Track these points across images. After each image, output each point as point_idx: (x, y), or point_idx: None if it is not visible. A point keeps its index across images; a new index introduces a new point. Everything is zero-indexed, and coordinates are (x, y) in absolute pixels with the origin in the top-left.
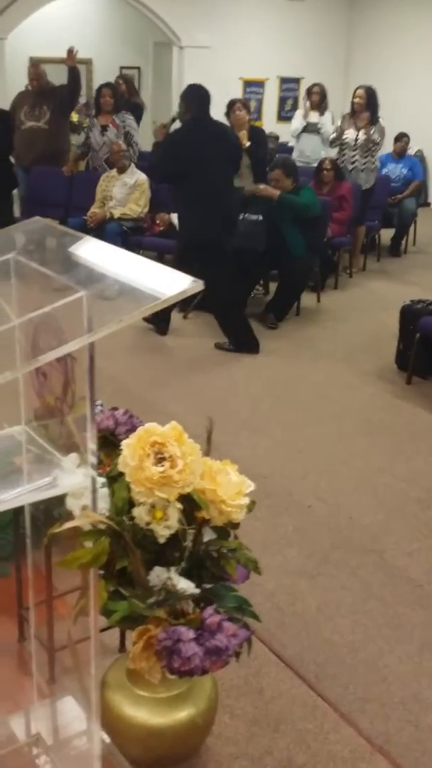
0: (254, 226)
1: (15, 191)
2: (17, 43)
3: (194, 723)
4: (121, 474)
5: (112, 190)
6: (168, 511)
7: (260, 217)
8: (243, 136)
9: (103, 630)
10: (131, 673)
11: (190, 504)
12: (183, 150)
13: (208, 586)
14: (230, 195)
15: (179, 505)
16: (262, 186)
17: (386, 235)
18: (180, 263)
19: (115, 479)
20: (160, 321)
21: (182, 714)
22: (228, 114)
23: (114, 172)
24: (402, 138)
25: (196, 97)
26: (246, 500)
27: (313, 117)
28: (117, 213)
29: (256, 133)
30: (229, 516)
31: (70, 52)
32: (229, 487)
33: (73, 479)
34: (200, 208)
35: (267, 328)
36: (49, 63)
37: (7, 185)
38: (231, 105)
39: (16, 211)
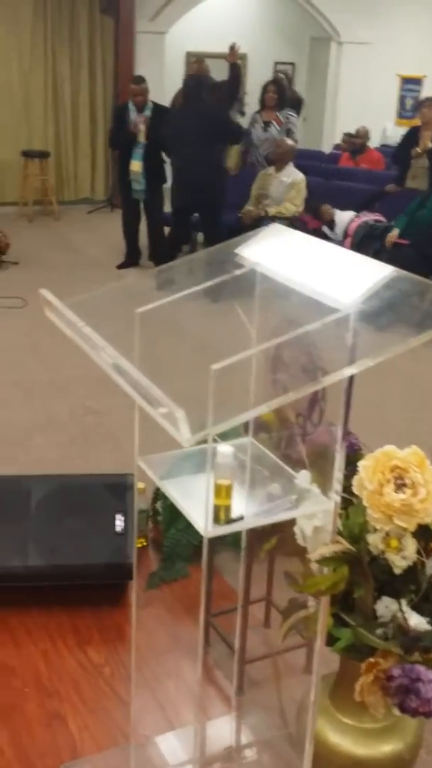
0: None
1: (166, 186)
2: (176, 37)
3: (401, 757)
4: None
5: (268, 188)
6: (404, 541)
7: None
8: (428, 137)
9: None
10: (336, 698)
11: (425, 534)
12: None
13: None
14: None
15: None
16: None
17: None
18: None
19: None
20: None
21: (389, 747)
22: (419, 111)
23: (272, 169)
24: None
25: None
26: None
27: None
28: (272, 211)
29: None
30: None
31: (233, 48)
32: None
33: (317, 503)
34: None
35: (416, 325)
36: (205, 57)
37: (159, 181)
38: (422, 103)
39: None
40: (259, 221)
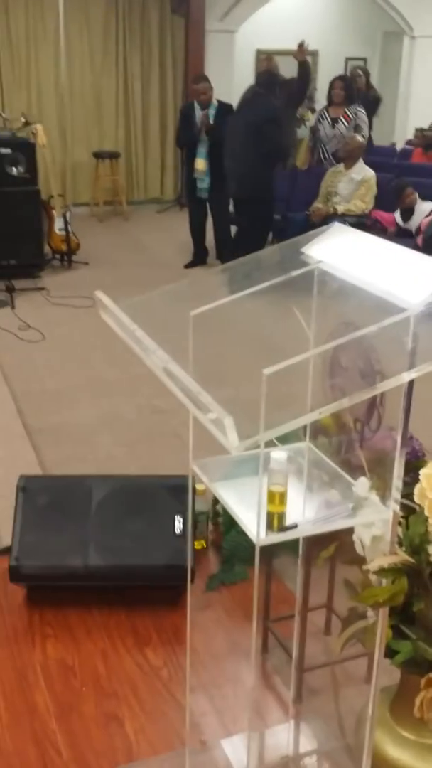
0: None
1: None
2: (246, 35)
3: None
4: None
5: (337, 186)
6: None
7: None
8: None
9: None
10: (396, 711)
11: None
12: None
13: None
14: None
15: None
16: None
17: None
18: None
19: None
20: None
21: None
22: None
23: (341, 167)
24: None
25: None
26: None
27: None
28: (341, 209)
29: None
30: None
31: (301, 45)
32: None
33: (376, 512)
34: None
35: None
36: (276, 55)
37: (224, 179)
38: None
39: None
40: (328, 219)
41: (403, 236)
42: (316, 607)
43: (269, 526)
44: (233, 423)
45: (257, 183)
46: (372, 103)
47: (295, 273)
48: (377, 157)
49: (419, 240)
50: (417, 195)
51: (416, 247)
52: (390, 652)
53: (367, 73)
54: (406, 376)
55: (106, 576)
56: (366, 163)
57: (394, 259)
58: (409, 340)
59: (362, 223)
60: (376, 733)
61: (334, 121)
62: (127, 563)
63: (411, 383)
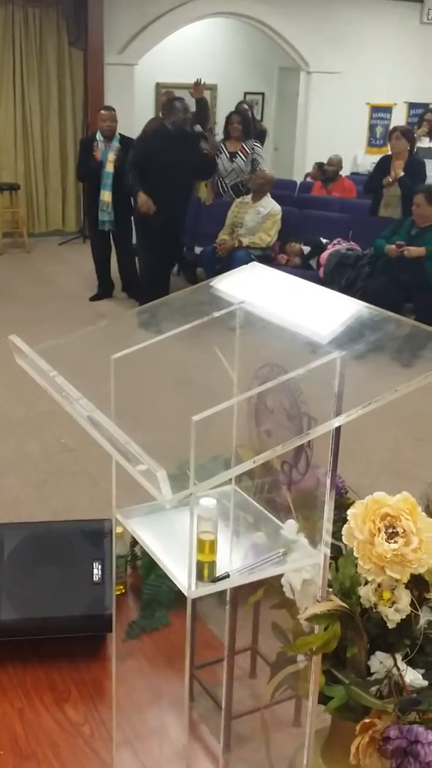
0: None
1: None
2: (145, 68)
3: None
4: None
5: (243, 217)
6: (397, 593)
7: None
8: (398, 166)
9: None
10: (327, 756)
11: (417, 584)
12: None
13: (422, 672)
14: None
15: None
16: (406, 250)
17: None
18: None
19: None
20: None
21: None
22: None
23: (248, 199)
24: None
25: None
26: None
27: (427, 143)
28: (246, 241)
29: (414, 164)
30: None
31: (197, 84)
32: None
33: (306, 556)
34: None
35: (402, 366)
36: (176, 88)
37: (129, 212)
38: (391, 133)
39: None
40: (234, 251)
41: (307, 268)
42: (241, 650)
43: (200, 577)
44: (166, 476)
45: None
46: (258, 135)
47: (217, 314)
48: (278, 190)
49: (320, 272)
50: (297, 244)
51: (318, 279)
52: (323, 698)
53: (251, 106)
54: (336, 422)
55: (21, 629)
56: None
57: (311, 297)
58: (336, 383)
59: (267, 255)
60: None
61: (232, 155)
62: (42, 615)
63: (339, 427)
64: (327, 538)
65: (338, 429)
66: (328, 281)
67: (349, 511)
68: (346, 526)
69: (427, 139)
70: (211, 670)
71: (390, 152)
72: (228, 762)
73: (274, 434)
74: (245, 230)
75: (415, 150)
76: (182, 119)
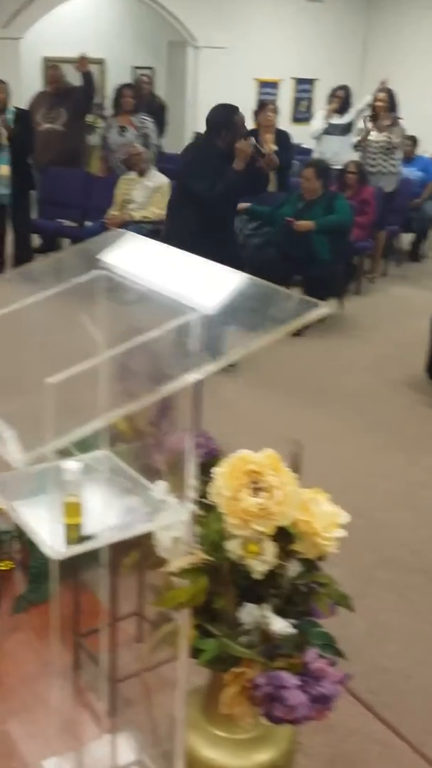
0: None
1: (33, 192)
2: (32, 42)
3: (276, 766)
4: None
5: (132, 193)
6: (263, 545)
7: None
8: (269, 139)
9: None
10: (208, 711)
11: (283, 536)
12: None
13: (294, 622)
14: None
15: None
16: (295, 224)
17: (404, 239)
18: None
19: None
20: None
21: (264, 756)
22: (257, 114)
23: (134, 174)
24: (407, 141)
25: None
26: (341, 532)
27: (336, 119)
28: (137, 216)
29: (282, 137)
30: (322, 549)
31: (82, 59)
32: (323, 517)
33: (174, 514)
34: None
35: (291, 336)
36: (63, 63)
37: (27, 186)
38: (263, 106)
39: (34, 214)
40: (125, 226)
41: None
42: (127, 615)
43: (66, 539)
44: (15, 435)
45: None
46: (159, 110)
47: (79, 279)
48: (170, 164)
49: None
50: None
51: None
52: (196, 652)
53: (151, 82)
54: (189, 378)
55: None
56: (159, 170)
57: (183, 265)
58: (193, 342)
59: (159, 229)
60: (190, 735)
61: (122, 129)
62: None
63: (200, 384)
64: (191, 494)
65: (199, 387)
66: None
67: (215, 469)
68: (213, 483)
69: (338, 115)
70: (98, 638)
71: (256, 126)
72: (115, 725)
73: (137, 396)
74: (136, 205)
75: None
76: None
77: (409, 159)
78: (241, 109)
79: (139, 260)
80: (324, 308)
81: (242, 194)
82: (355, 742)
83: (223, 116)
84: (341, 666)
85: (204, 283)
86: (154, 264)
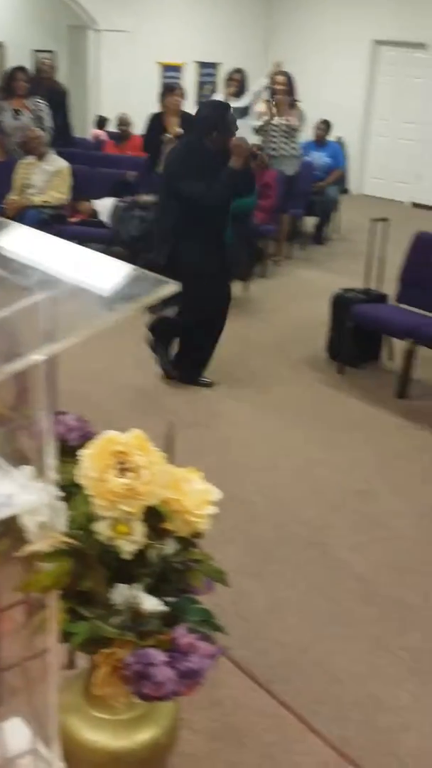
0: None
1: None
2: None
3: (158, 743)
4: (77, 486)
5: (31, 178)
6: (132, 525)
7: None
8: (174, 122)
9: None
10: (88, 694)
11: (154, 516)
12: None
13: (170, 599)
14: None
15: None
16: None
17: (308, 222)
18: None
19: (71, 492)
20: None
21: (146, 735)
22: (163, 98)
23: (32, 158)
24: (321, 125)
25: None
26: (213, 509)
27: (234, 102)
28: (37, 200)
29: (188, 120)
30: (195, 526)
31: None
32: (195, 495)
33: (31, 497)
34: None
35: (113, 308)
36: None
37: None
38: (171, 89)
39: None
40: (24, 211)
41: (98, 226)
42: (14, 603)
43: None
44: None
45: None
46: (61, 94)
47: None
48: (76, 148)
49: None
50: (88, 201)
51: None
52: (66, 636)
53: (52, 67)
54: (34, 357)
55: None
56: (64, 154)
57: (60, 252)
58: (40, 321)
59: (60, 214)
60: (72, 718)
61: (17, 112)
62: None
63: (53, 364)
64: (52, 474)
65: (52, 367)
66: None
67: (82, 452)
68: (79, 466)
69: (235, 98)
70: None
71: (162, 110)
72: (1, 715)
73: None
74: (35, 190)
75: None
76: None
77: (322, 143)
78: (144, 93)
79: (13, 244)
80: (172, 285)
81: (241, 192)
82: (243, 716)
83: (214, 115)
84: (237, 639)
85: (73, 267)
86: (25, 248)
